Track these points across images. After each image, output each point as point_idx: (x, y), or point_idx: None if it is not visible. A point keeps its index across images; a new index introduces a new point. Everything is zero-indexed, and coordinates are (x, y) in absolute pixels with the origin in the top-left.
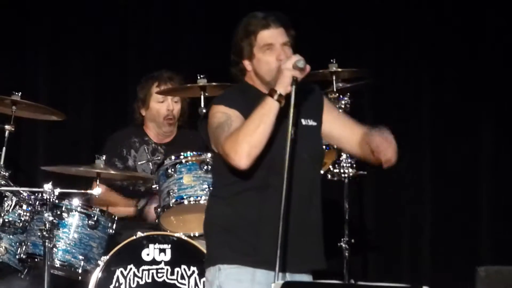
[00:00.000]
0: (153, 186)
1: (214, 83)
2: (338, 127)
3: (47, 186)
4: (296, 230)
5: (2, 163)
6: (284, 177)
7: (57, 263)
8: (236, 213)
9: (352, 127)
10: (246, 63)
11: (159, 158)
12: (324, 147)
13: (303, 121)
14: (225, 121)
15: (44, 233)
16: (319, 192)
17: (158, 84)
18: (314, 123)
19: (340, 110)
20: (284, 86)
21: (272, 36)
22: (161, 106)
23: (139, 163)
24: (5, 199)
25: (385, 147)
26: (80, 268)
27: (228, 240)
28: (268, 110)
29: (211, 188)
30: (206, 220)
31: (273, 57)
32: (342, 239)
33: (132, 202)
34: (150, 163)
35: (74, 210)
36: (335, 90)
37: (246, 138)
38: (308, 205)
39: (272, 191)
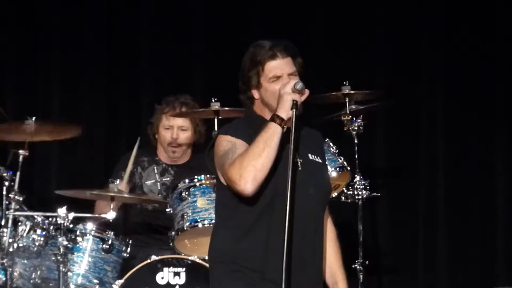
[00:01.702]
0: (167, 210)
1: (227, 108)
2: None
3: (61, 211)
4: (297, 265)
5: (16, 187)
6: (287, 202)
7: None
8: (239, 245)
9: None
10: (254, 92)
11: (168, 179)
12: (338, 169)
13: (310, 156)
14: (230, 149)
15: (59, 257)
16: (323, 227)
17: (167, 112)
18: (321, 161)
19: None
20: (285, 110)
21: (279, 67)
22: (166, 133)
23: (146, 182)
24: (20, 224)
25: None
26: None
27: (234, 270)
28: (272, 134)
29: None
30: (210, 251)
31: (279, 86)
32: (357, 261)
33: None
34: (158, 184)
35: (88, 234)
36: (348, 112)
37: (251, 162)
38: (310, 242)
39: (277, 223)
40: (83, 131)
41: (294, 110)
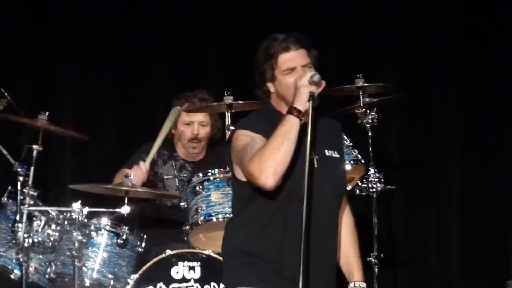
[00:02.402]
0: (181, 204)
1: (240, 101)
2: None
3: (76, 206)
4: (310, 262)
5: (30, 183)
6: (304, 198)
7: (87, 282)
8: (254, 240)
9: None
10: (269, 85)
11: (185, 175)
12: (352, 162)
13: (327, 152)
14: (248, 143)
15: (73, 252)
16: (338, 223)
17: (187, 105)
18: (338, 155)
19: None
20: (302, 102)
21: (292, 59)
22: (186, 129)
23: (165, 177)
24: (34, 219)
25: None
26: (110, 287)
27: (248, 263)
28: (290, 127)
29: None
30: (224, 244)
31: (294, 78)
32: (372, 254)
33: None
34: (176, 179)
35: (103, 229)
36: (361, 105)
37: (271, 156)
38: (326, 236)
39: (292, 220)
40: (95, 131)
41: (311, 102)
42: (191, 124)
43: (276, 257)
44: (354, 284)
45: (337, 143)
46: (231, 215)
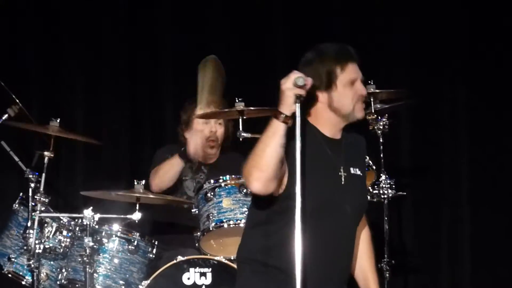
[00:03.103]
0: (193, 210)
1: (252, 108)
2: None
3: (87, 212)
4: (324, 275)
5: (42, 189)
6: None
7: None
8: (276, 251)
9: None
10: (320, 94)
11: (202, 177)
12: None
13: (352, 170)
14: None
15: (85, 258)
16: (355, 243)
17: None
18: (360, 173)
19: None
20: (288, 106)
21: (357, 71)
22: (204, 128)
23: (183, 178)
24: (46, 225)
25: None
26: None
27: (263, 272)
28: (273, 132)
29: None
30: (240, 252)
31: (354, 91)
32: (383, 260)
33: (173, 159)
34: (194, 181)
35: (114, 235)
36: (373, 111)
37: (253, 163)
38: (342, 254)
39: (314, 234)
40: (106, 136)
41: (298, 104)
42: (208, 123)
43: (293, 271)
44: None
45: (361, 161)
46: (248, 223)
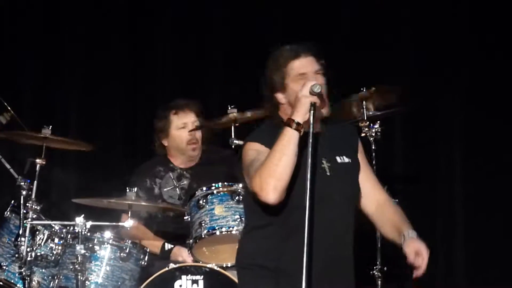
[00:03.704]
0: (185, 217)
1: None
2: (361, 178)
3: (79, 219)
4: (325, 270)
5: (33, 196)
6: (306, 210)
7: None
8: (262, 249)
9: (374, 185)
10: (279, 96)
11: (185, 183)
12: None
13: (338, 159)
14: (255, 158)
15: (76, 266)
16: (352, 229)
17: (175, 111)
18: (349, 160)
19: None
20: (302, 114)
21: (303, 65)
22: (182, 132)
23: (164, 189)
24: (37, 232)
25: (419, 264)
26: None
27: (264, 276)
28: (288, 140)
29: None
30: (239, 257)
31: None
32: (375, 268)
33: (160, 241)
34: (177, 189)
35: (106, 243)
36: (365, 118)
37: (269, 172)
38: (339, 245)
39: (299, 229)
40: (97, 146)
41: (311, 112)
42: (185, 127)
43: (294, 270)
44: (404, 234)
45: (349, 148)
46: (245, 228)
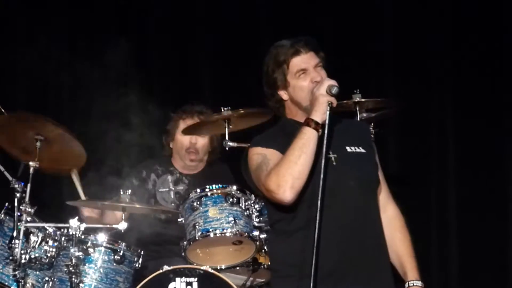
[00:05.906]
0: (179, 220)
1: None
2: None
3: (73, 222)
4: (349, 260)
5: (27, 199)
6: (318, 207)
7: None
8: (297, 249)
9: (386, 198)
10: (282, 93)
11: (181, 188)
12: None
13: (348, 148)
14: (262, 161)
15: (71, 268)
16: (377, 217)
17: (184, 118)
18: (363, 150)
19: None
20: (320, 113)
21: (304, 61)
22: (185, 138)
23: (159, 190)
24: (31, 235)
25: None
26: None
27: (284, 276)
28: (307, 139)
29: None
30: (273, 264)
31: (307, 81)
32: None
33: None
34: (171, 192)
35: (100, 245)
36: (359, 120)
37: (288, 170)
38: (361, 234)
39: (313, 224)
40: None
41: (328, 112)
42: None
43: (300, 267)
44: (408, 284)
45: (363, 138)
46: (272, 234)
